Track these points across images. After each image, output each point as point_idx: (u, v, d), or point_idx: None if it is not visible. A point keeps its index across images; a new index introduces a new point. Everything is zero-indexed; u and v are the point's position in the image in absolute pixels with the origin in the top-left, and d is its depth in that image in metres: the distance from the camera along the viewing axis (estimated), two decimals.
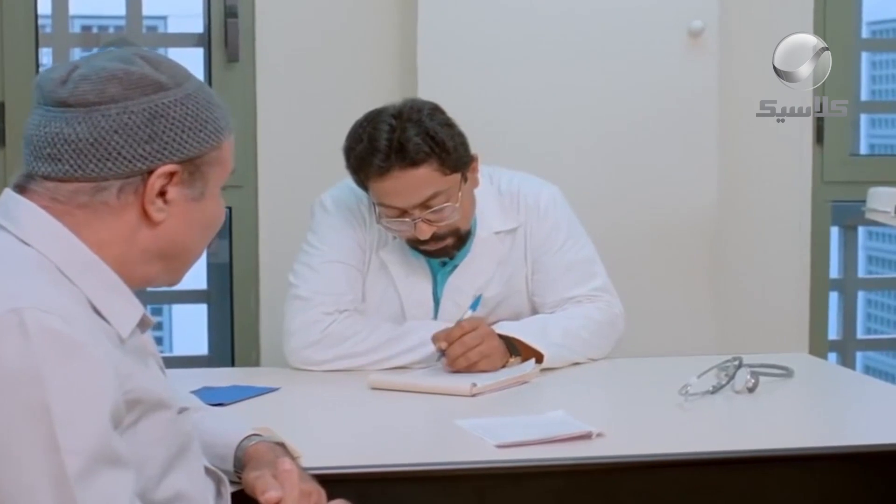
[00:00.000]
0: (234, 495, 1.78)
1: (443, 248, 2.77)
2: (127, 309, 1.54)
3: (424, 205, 2.67)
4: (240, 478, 1.80)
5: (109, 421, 1.42)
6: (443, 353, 2.62)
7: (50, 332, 1.39)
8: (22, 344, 1.38)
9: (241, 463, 1.81)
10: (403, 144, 2.62)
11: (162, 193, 1.54)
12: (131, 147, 1.50)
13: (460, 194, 2.71)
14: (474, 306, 2.76)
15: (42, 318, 1.39)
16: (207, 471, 1.73)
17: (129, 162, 1.51)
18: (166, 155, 1.53)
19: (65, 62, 1.57)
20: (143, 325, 1.58)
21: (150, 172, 1.52)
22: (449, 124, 2.71)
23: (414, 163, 2.63)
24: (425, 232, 2.70)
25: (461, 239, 2.79)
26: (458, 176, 2.70)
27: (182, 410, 1.61)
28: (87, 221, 1.52)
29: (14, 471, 1.37)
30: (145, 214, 1.54)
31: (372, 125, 2.67)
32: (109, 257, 1.53)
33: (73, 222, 1.51)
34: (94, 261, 1.52)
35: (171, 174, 1.53)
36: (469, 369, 2.60)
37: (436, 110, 2.72)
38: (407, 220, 2.69)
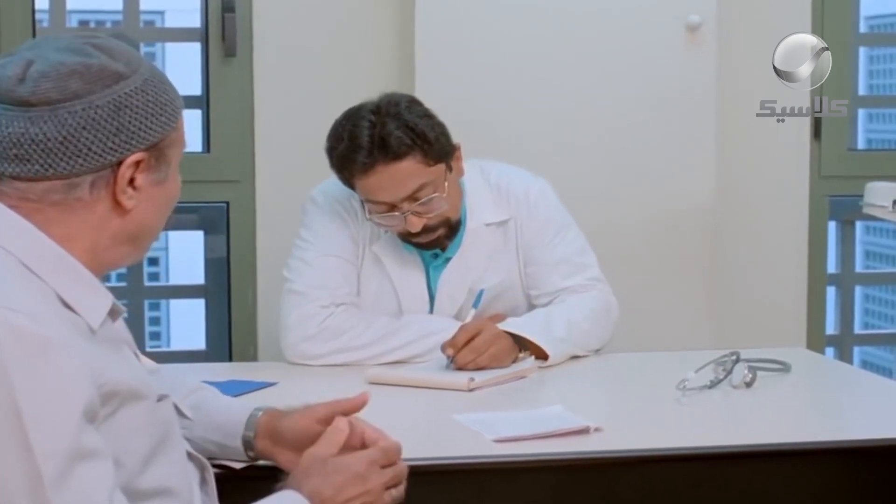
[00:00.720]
0: (219, 481, 1.79)
1: (435, 240, 2.77)
2: (96, 299, 1.54)
3: (412, 197, 2.68)
4: (249, 454, 1.83)
5: (82, 417, 1.41)
6: (451, 359, 2.59)
7: (16, 330, 1.39)
8: None
9: (252, 435, 1.83)
10: (385, 139, 2.63)
11: (130, 181, 1.54)
12: (100, 141, 1.50)
13: (446, 184, 2.71)
14: (476, 303, 2.76)
15: (9, 318, 1.39)
16: (190, 457, 1.73)
17: (99, 156, 1.51)
18: (133, 144, 1.53)
19: (12, 54, 1.55)
20: (113, 314, 1.57)
21: (120, 163, 1.53)
22: (428, 115, 2.71)
23: (397, 156, 2.64)
24: (416, 225, 2.70)
25: (452, 229, 2.80)
26: (442, 166, 2.71)
27: (161, 398, 1.61)
28: (60, 218, 1.52)
29: None
30: (116, 204, 1.54)
31: (351, 123, 2.68)
32: (78, 248, 1.53)
33: (43, 219, 1.51)
34: (60, 254, 1.51)
35: (138, 162, 1.54)
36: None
37: (413, 102, 2.73)
38: (396, 214, 2.69)
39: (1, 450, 1.37)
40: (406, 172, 2.66)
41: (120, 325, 1.62)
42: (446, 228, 2.77)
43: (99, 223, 1.54)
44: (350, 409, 1.79)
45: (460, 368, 2.58)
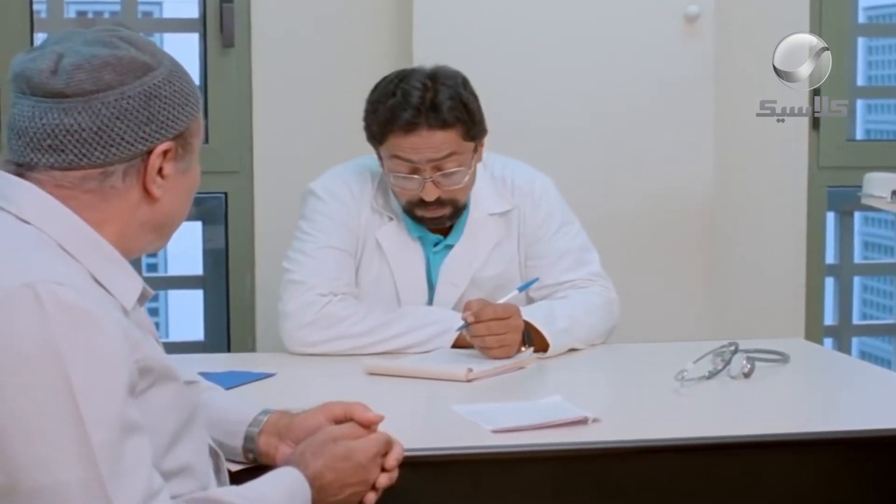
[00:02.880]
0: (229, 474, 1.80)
1: (440, 217, 2.79)
2: (128, 281, 1.57)
3: (438, 166, 2.71)
4: (248, 456, 1.85)
5: (127, 390, 1.45)
6: (466, 323, 2.61)
7: (65, 304, 1.42)
8: (39, 317, 1.41)
9: (257, 431, 1.86)
10: (437, 105, 2.69)
11: (159, 170, 1.57)
12: (132, 131, 1.54)
13: (472, 163, 2.76)
14: (523, 288, 2.77)
15: (57, 291, 1.42)
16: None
17: (132, 145, 1.54)
18: (162, 133, 1.56)
19: (41, 48, 1.58)
20: (142, 297, 1.61)
21: (150, 152, 1.56)
22: (475, 96, 2.77)
23: (444, 124, 2.69)
24: (432, 194, 2.73)
25: (457, 211, 2.81)
26: (473, 145, 2.76)
27: (189, 383, 1.64)
28: (93, 204, 1.55)
29: (37, 444, 1.39)
30: (146, 192, 1.58)
31: (406, 82, 2.73)
32: (109, 234, 1.56)
33: (76, 205, 1.54)
34: (94, 237, 1.54)
35: (166, 151, 1.57)
36: (481, 351, 2.61)
37: (467, 81, 2.79)
38: (416, 178, 2.72)
39: (53, 421, 1.39)
40: (445, 140, 2.70)
41: (145, 315, 1.65)
42: (452, 208, 2.79)
43: (130, 211, 1.57)
44: (363, 420, 1.82)
45: (470, 338, 2.60)
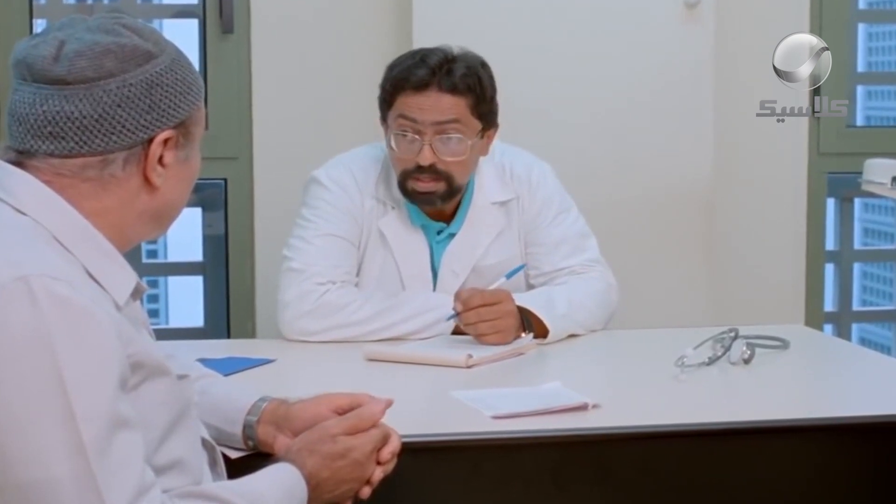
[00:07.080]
0: (227, 465, 1.80)
1: (432, 193, 2.78)
2: (122, 276, 1.56)
3: (441, 129, 2.73)
4: (248, 443, 1.85)
5: (118, 385, 1.44)
6: (456, 313, 2.62)
7: (58, 299, 1.41)
8: (32, 312, 1.40)
9: (255, 420, 1.85)
10: (452, 71, 2.75)
11: (159, 159, 1.57)
12: (133, 119, 1.53)
13: (471, 143, 2.76)
14: (510, 275, 2.76)
15: (50, 286, 1.42)
16: (202, 441, 1.74)
17: (133, 133, 1.54)
18: (164, 122, 1.56)
19: (43, 34, 1.58)
20: (136, 292, 1.60)
21: (150, 141, 1.56)
22: (492, 79, 2.83)
23: (453, 89, 2.73)
24: (428, 157, 2.74)
25: (450, 192, 2.80)
26: (479, 126, 2.78)
27: (181, 377, 1.63)
28: (93, 193, 1.54)
29: (28, 439, 1.39)
30: (146, 181, 1.57)
31: (428, 50, 2.81)
32: (106, 224, 1.55)
33: (75, 194, 1.54)
34: (89, 229, 1.54)
35: (167, 140, 1.57)
36: (476, 339, 2.61)
37: (486, 64, 2.84)
38: (417, 140, 2.73)
39: (43, 415, 1.39)
40: (451, 105, 2.74)
41: (138, 307, 1.64)
42: (446, 185, 2.78)
43: (129, 200, 1.57)
44: (371, 417, 1.79)
45: (462, 327, 2.60)
